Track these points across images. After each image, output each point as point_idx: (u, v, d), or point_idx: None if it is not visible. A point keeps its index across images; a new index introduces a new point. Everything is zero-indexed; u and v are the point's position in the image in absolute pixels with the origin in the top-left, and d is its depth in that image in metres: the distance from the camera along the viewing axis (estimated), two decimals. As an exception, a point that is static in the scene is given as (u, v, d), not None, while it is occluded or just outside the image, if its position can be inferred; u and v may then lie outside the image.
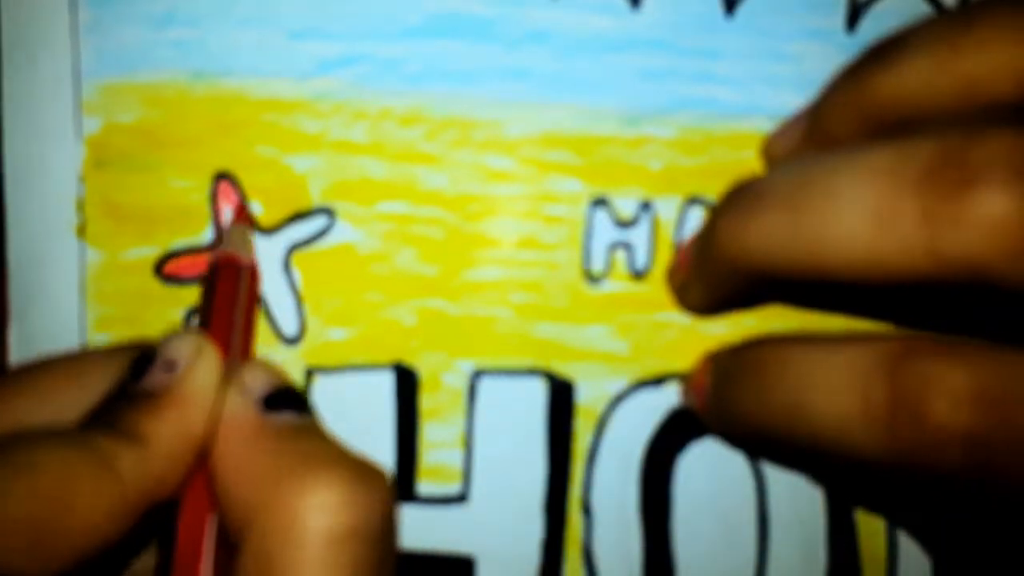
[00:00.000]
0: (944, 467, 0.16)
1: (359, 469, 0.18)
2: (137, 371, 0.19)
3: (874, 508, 0.26)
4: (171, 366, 0.19)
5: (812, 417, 0.18)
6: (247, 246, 0.25)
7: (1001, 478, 0.16)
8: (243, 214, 0.26)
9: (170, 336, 0.20)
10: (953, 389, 0.16)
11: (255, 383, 0.20)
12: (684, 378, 0.26)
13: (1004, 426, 0.15)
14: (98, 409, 0.18)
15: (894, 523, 0.26)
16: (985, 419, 0.15)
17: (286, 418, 0.19)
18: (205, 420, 0.19)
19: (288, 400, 0.20)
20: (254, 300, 0.25)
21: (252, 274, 0.24)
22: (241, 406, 0.19)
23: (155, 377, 0.19)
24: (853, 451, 0.18)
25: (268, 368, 0.21)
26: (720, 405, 0.23)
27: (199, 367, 0.19)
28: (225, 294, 0.23)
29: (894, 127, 0.20)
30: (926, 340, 0.17)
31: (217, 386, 0.19)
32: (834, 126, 0.22)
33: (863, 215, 0.17)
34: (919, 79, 0.19)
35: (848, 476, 0.25)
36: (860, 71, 0.21)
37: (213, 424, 0.19)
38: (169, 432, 0.18)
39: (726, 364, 0.23)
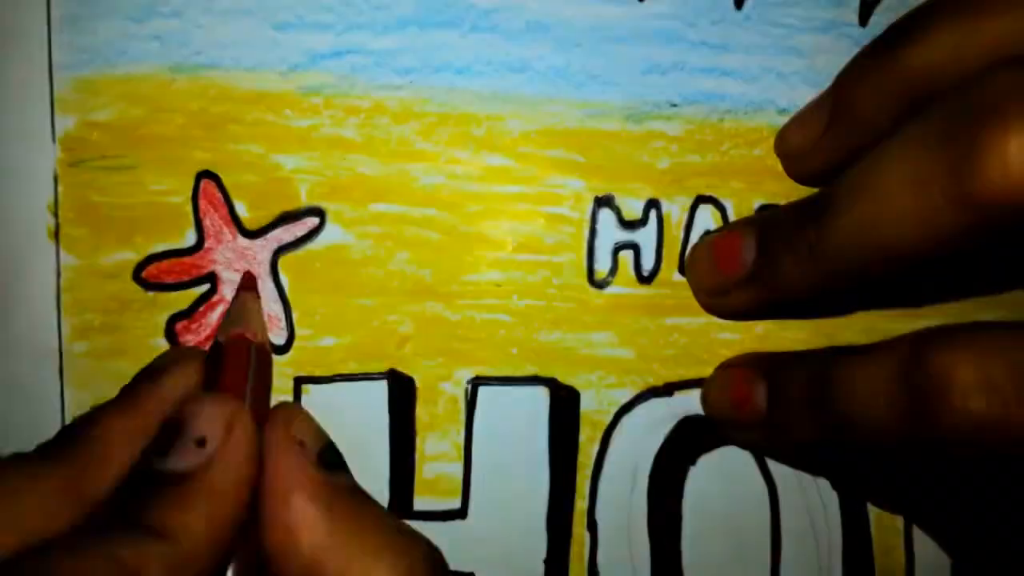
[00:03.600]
0: (968, 454, 0.17)
1: (417, 543, 0.17)
2: (161, 446, 0.16)
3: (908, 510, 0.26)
4: (201, 443, 0.16)
5: (857, 428, 0.18)
6: (258, 319, 0.22)
7: (1016, 457, 0.16)
8: (250, 282, 0.23)
9: (198, 402, 0.17)
10: (961, 382, 0.16)
11: (309, 439, 0.18)
12: (708, 387, 0.24)
13: (1013, 408, 0.16)
14: (117, 499, 0.16)
15: (926, 525, 0.25)
16: (994, 405, 0.16)
17: (343, 479, 0.18)
18: (243, 504, 0.16)
19: (337, 456, 0.18)
20: (268, 386, 0.21)
21: (263, 354, 0.21)
22: (299, 465, 0.17)
23: (184, 457, 0.16)
24: (892, 453, 0.18)
25: (313, 421, 0.19)
26: (775, 420, 0.22)
27: (234, 446, 0.16)
28: (236, 375, 0.19)
29: (925, 101, 0.19)
30: (935, 334, 0.17)
31: (253, 466, 0.16)
32: (863, 107, 0.21)
33: (905, 189, 0.17)
34: (947, 48, 0.19)
35: (891, 479, 0.25)
36: (886, 48, 0.21)
37: (248, 499, 0.16)
38: (202, 524, 0.15)
39: (780, 380, 0.22)
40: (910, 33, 0.20)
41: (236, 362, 0.19)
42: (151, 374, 0.19)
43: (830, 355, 0.21)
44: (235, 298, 0.23)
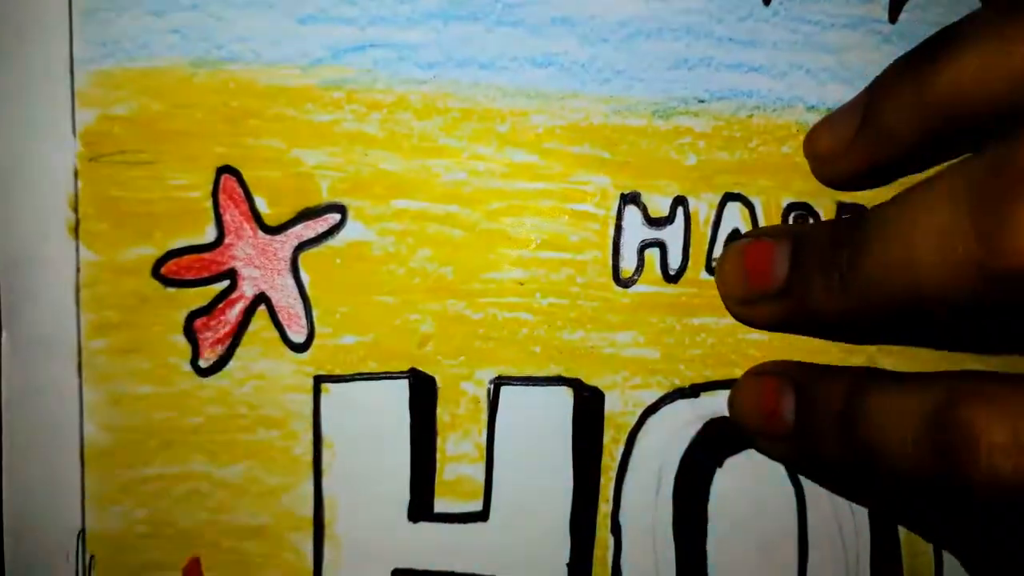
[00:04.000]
0: (992, 507, 0.16)
1: None
2: None
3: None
4: None
5: (881, 459, 0.18)
6: None
7: None
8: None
9: None
10: (989, 440, 0.16)
11: None
12: (736, 393, 0.24)
13: None
14: None
15: (953, 553, 0.24)
16: (1021, 468, 0.16)
17: None
18: None
19: None
20: None
21: None
22: None
23: None
24: (914, 491, 0.18)
25: None
26: (802, 435, 0.22)
27: None
28: None
29: (955, 123, 0.19)
30: (970, 383, 0.17)
31: None
32: (892, 121, 0.21)
33: (930, 241, 0.17)
34: (974, 71, 0.18)
35: (917, 512, 0.24)
36: (914, 66, 0.20)
37: None
38: None
39: (811, 395, 0.21)
40: (938, 53, 0.19)
41: None
42: None
43: (864, 377, 0.20)
44: None
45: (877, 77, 0.22)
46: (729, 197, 0.25)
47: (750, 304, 0.22)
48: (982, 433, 0.16)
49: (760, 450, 0.24)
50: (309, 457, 0.25)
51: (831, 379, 0.21)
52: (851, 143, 0.22)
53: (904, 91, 0.20)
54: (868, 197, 0.21)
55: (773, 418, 0.22)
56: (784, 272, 0.21)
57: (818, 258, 0.20)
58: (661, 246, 0.25)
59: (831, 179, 0.23)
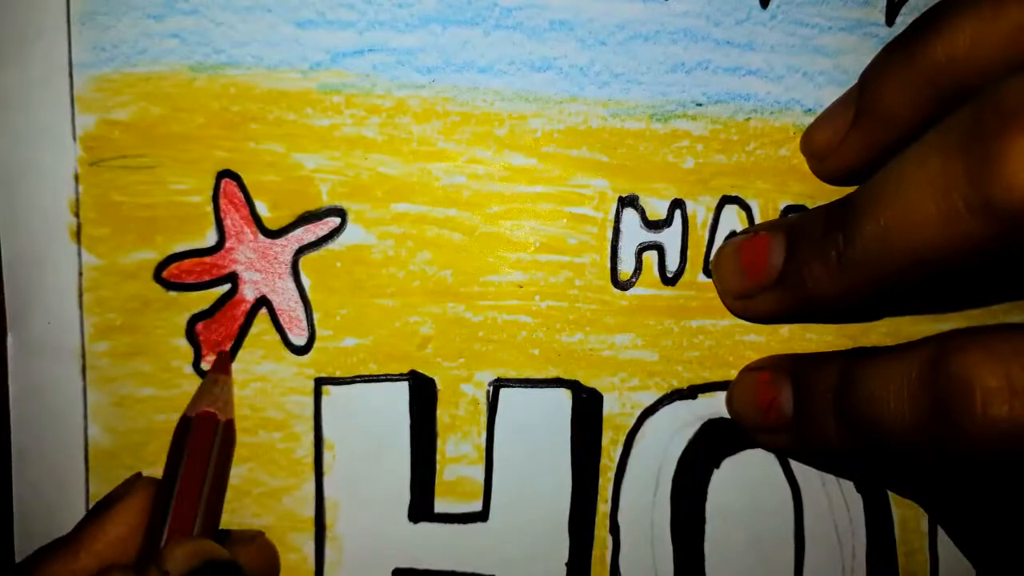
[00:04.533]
0: (992, 458, 0.17)
1: None
2: None
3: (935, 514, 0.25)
4: None
5: (880, 430, 0.18)
6: (226, 400, 0.23)
7: None
8: (223, 364, 0.24)
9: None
10: (983, 387, 0.16)
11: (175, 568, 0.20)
12: (733, 390, 0.24)
13: None
14: None
15: (952, 529, 0.25)
16: (1017, 411, 0.16)
17: None
18: None
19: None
20: (229, 460, 0.23)
21: (228, 431, 0.23)
22: None
23: None
24: (917, 455, 0.18)
25: (190, 549, 0.21)
26: (801, 423, 0.22)
27: None
28: (198, 454, 0.22)
29: (951, 94, 0.19)
30: (958, 337, 0.17)
31: None
32: (889, 103, 0.21)
33: (927, 197, 0.17)
34: (967, 39, 0.19)
35: (918, 482, 0.24)
36: (909, 42, 0.20)
37: None
38: None
39: (806, 383, 0.22)
40: (931, 26, 0.19)
41: (202, 437, 0.22)
42: (98, 511, 0.22)
43: (855, 356, 0.20)
44: (207, 377, 0.24)
45: (868, 66, 0.22)
46: (727, 200, 0.25)
47: (748, 298, 0.23)
48: (975, 380, 0.16)
49: (761, 445, 0.24)
50: (310, 459, 0.25)
51: (824, 363, 0.21)
52: (848, 133, 0.22)
53: (898, 70, 0.20)
54: (864, 203, 0.21)
55: (770, 410, 0.22)
56: (780, 262, 0.21)
57: (813, 243, 0.20)
58: (659, 249, 0.25)
59: (830, 175, 0.23)
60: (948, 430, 0.17)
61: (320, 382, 0.25)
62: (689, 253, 0.25)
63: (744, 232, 0.24)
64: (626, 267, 0.25)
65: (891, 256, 0.18)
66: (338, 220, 0.25)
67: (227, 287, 0.25)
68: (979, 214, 0.16)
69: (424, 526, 0.25)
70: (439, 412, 0.25)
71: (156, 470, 0.25)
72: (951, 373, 0.17)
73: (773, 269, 0.22)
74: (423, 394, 0.25)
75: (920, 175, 0.17)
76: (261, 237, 0.25)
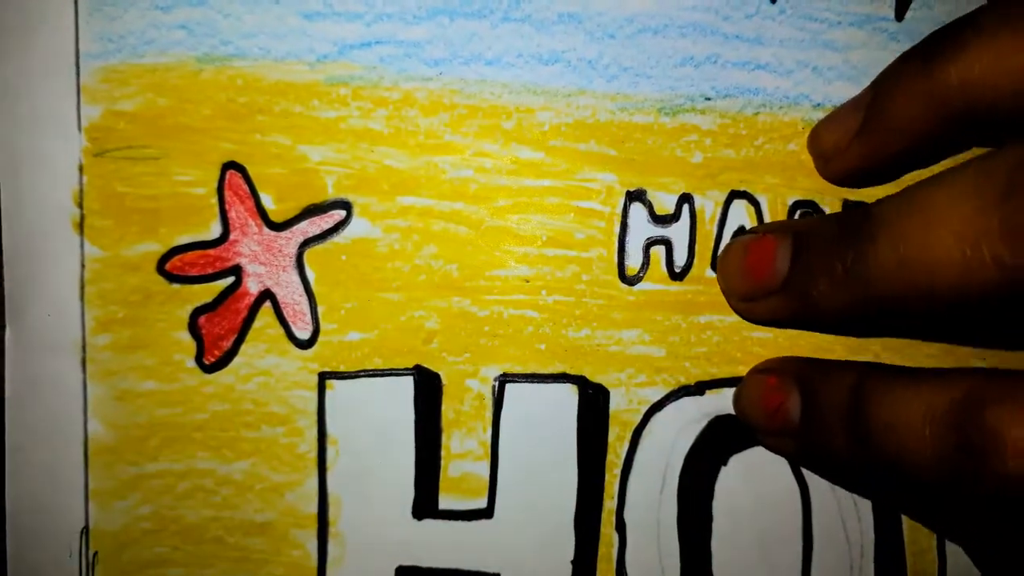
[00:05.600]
0: (1012, 507, 0.16)
1: None
2: None
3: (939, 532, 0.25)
4: None
5: (894, 459, 0.18)
6: None
7: None
8: None
9: None
10: (1016, 444, 0.16)
11: None
12: (741, 391, 0.24)
13: None
14: None
15: (961, 545, 0.24)
16: None
17: None
18: None
19: None
20: None
21: None
22: None
23: None
24: (930, 487, 0.18)
25: None
26: (807, 432, 0.21)
27: None
28: None
29: (962, 115, 0.19)
30: (995, 383, 0.17)
31: None
32: (898, 116, 0.20)
33: (951, 241, 0.17)
34: (984, 66, 0.18)
35: (926, 506, 0.24)
36: (924, 58, 0.20)
37: None
38: None
39: (815, 392, 0.21)
40: (948, 47, 0.19)
41: None
42: None
43: (871, 373, 0.20)
44: None
45: (882, 72, 0.22)
46: (735, 195, 0.25)
47: (751, 300, 0.22)
48: (1010, 435, 0.16)
49: (766, 447, 0.24)
50: (313, 454, 0.25)
51: (835, 375, 0.21)
52: (855, 138, 0.22)
53: (912, 84, 0.20)
54: (875, 195, 0.20)
55: (777, 416, 0.22)
56: (785, 268, 0.21)
57: (821, 254, 0.20)
58: (667, 243, 0.25)
59: (835, 176, 0.23)
60: (972, 474, 0.17)
61: (324, 376, 0.25)
62: (697, 248, 0.25)
63: (751, 231, 0.24)
64: (633, 262, 0.25)
65: (902, 285, 0.18)
66: (343, 213, 0.24)
67: (231, 280, 0.24)
68: (1007, 271, 0.16)
69: (428, 523, 0.25)
70: (444, 407, 0.25)
71: (157, 466, 0.24)
72: (983, 424, 0.16)
73: (777, 274, 0.21)
74: (428, 389, 0.25)
75: (950, 217, 0.17)
76: (266, 230, 0.25)
